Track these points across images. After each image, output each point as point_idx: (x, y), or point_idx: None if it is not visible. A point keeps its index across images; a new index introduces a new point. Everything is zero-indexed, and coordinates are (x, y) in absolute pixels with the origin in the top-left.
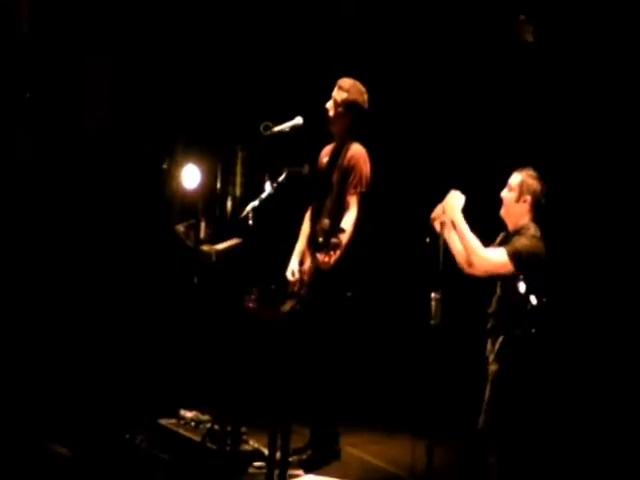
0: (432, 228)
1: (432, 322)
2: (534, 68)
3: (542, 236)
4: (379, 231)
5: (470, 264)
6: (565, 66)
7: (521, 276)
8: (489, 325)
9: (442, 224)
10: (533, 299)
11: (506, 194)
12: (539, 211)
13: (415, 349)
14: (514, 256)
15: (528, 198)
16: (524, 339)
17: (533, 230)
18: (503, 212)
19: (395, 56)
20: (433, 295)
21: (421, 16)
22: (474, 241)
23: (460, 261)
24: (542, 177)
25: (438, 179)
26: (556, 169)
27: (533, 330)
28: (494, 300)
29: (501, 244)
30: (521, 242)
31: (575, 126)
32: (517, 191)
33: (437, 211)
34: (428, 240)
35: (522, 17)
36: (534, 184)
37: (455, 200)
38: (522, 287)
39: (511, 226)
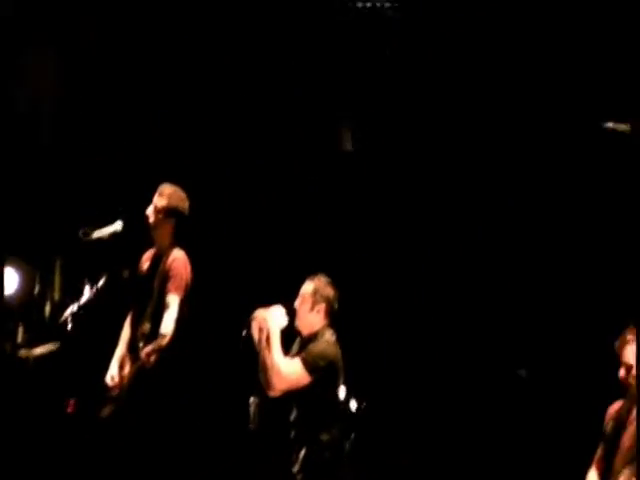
0: (249, 325)
1: (250, 426)
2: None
3: (337, 340)
4: (199, 334)
5: (270, 387)
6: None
7: (340, 381)
8: (291, 435)
9: (260, 329)
10: (353, 404)
11: (300, 305)
12: (333, 316)
13: (233, 454)
14: (310, 367)
15: (322, 307)
16: (330, 445)
17: (328, 335)
18: (298, 323)
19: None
20: (252, 400)
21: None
22: (279, 359)
23: (262, 381)
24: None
25: (259, 282)
26: None
27: (353, 435)
28: (294, 408)
29: (299, 351)
30: (316, 349)
31: None
32: (310, 301)
33: (260, 314)
34: (244, 333)
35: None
36: (327, 291)
37: (279, 315)
38: (342, 392)
39: (305, 332)
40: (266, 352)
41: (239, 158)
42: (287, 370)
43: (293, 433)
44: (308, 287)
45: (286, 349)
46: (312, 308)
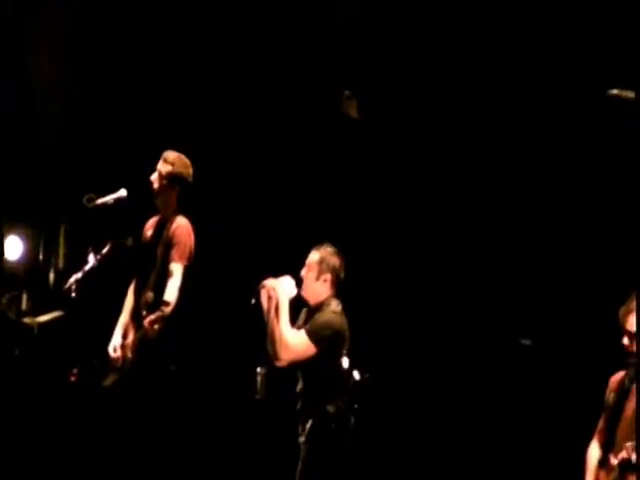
0: (259, 293)
1: (257, 397)
2: (358, 143)
3: (343, 310)
4: (204, 304)
5: (277, 358)
6: (389, 141)
7: (344, 351)
8: (298, 406)
9: (269, 298)
10: (356, 374)
11: (306, 273)
12: (339, 286)
13: (240, 424)
14: (315, 338)
15: (328, 276)
16: (336, 417)
17: (334, 305)
18: (304, 292)
19: (222, 128)
20: (259, 370)
21: (247, 89)
22: (287, 330)
23: (270, 351)
24: (340, 252)
25: (264, 251)
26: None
27: (356, 405)
28: (300, 379)
29: (306, 322)
30: (321, 320)
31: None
32: (316, 270)
33: (269, 282)
34: (253, 302)
35: (347, 92)
36: (333, 260)
37: (288, 286)
38: (345, 362)
39: (312, 302)
40: (274, 322)
41: (244, 124)
42: (294, 341)
43: (299, 404)
44: (314, 256)
45: (294, 319)
46: (318, 277)
